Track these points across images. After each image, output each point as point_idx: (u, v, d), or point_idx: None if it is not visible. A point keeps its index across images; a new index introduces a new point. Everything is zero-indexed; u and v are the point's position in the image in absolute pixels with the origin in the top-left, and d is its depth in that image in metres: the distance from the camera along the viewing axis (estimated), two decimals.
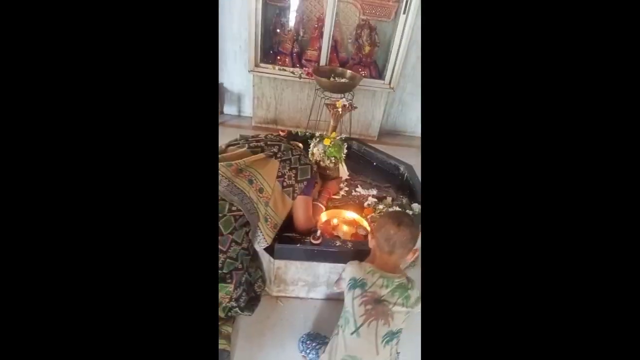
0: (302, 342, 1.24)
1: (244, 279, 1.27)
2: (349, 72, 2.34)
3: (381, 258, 1.11)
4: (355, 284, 1.06)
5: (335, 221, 1.59)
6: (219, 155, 1.35)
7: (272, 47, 2.68)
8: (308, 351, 1.20)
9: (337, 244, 1.35)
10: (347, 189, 1.80)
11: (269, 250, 1.33)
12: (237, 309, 1.27)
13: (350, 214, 1.62)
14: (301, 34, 2.63)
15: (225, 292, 1.21)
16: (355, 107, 1.98)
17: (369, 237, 1.18)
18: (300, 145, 1.65)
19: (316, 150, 1.73)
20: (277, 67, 2.55)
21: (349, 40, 2.72)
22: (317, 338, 1.23)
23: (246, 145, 1.42)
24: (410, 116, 3.06)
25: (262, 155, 1.35)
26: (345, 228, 1.57)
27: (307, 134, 2.05)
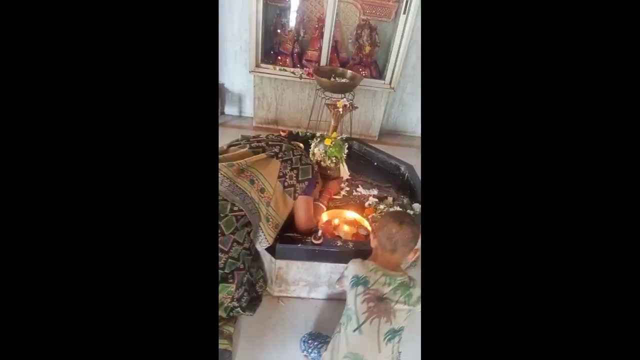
0: (304, 341, 1.24)
1: (245, 279, 1.27)
2: (349, 72, 2.34)
3: (383, 257, 1.12)
4: (358, 281, 1.07)
5: (336, 221, 1.59)
6: (221, 156, 1.36)
7: (272, 48, 2.68)
8: (310, 350, 1.20)
9: (338, 244, 1.35)
10: (348, 189, 1.80)
11: (271, 250, 1.33)
12: (238, 309, 1.27)
13: (351, 214, 1.62)
14: (302, 34, 2.63)
15: (227, 292, 1.21)
16: (356, 107, 1.98)
17: (371, 236, 1.18)
18: (301, 145, 1.65)
19: (317, 151, 1.74)
20: (277, 68, 2.56)
21: (350, 41, 2.73)
22: (319, 337, 1.24)
23: (247, 145, 1.42)
24: (410, 116, 3.06)
25: (263, 155, 1.35)
26: (346, 228, 1.57)
27: (308, 134, 2.05)
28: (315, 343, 1.20)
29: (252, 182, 1.28)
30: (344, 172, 1.86)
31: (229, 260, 1.19)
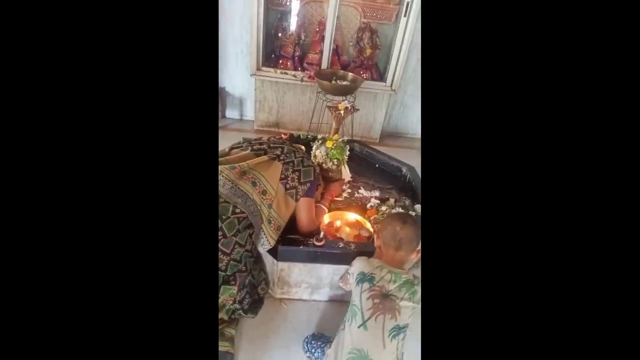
0: (307, 342, 1.24)
1: (247, 281, 1.27)
2: (350, 74, 2.35)
3: (387, 255, 1.14)
4: (364, 278, 1.08)
5: (338, 223, 1.59)
6: (223, 158, 1.36)
7: (273, 51, 2.69)
8: (313, 350, 1.20)
9: (340, 246, 1.35)
10: (349, 190, 1.80)
11: (272, 252, 1.33)
12: (240, 311, 1.27)
13: (353, 216, 1.62)
14: (302, 37, 2.64)
15: (229, 294, 1.21)
16: (357, 109, 1.99)
17: (375, 236, 1.19)
18: (303, 147, 1.65)
19: (318, 153, 1.74)
20: (278, 71, 2.57)
21: (350, 44, 2.74)
22: (322, 338, 1.24)
23: (249, 148, 1.42)
24: (411, 118, 3.06)
25: (265, 157, 1.36)
26: (348, 230, 1.57)
27: (310, 136, 2.06)
28: (319, 343, 1.20)
29: (254, 184, 1.28)
30: (346, 174, 1.86)
31: (231, 262, 1.19)
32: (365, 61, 2.70)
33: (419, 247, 1.15)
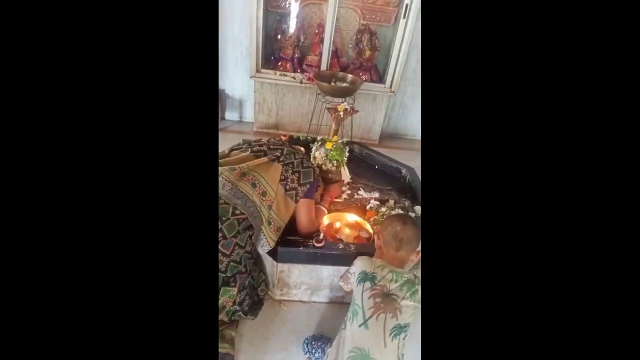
0: (307, 343, 1.24)
1: (247, 282, 1.27)
2: (349, 76, 2.35)
3: (388, 255, 1.14)
4: (366, 277, 1.09)
5: (337, 224, 1.59)
6: (223, 160, 1.37)
7: (273, 53, 2.70)
8: (314, 351, 1.20)
9: (340, 247, 1.35)
10: (349, 192, 1.81)
11: (272, 253, 1.33)
12: (240, 312, 1.27)
13: (353, 217, 1.62)
14: (302, 39, 2.65)
15: (229, 296, 1.21)
16: (357, 111, 1.99)
17: (375, 237, 1.19)
18: (302, 149, 1.66)
19: (318, 154, 1.74)
20: (278, 73, 2.57)
21: (350, 45, 2.74)
22: (322, 338, 1.24)
23: (249, 149, 1.43)
24: (411, 119, 3.07)
25: (265, 159, 1.36)
26: (347, 231, 1.57)
27: (309, 138, 2.06)
28: (319, 343, 1.20)
29: (253, 185, 1.28)
30: (345, 175, 1.86)
31: (231, 263, 1.19)
32: (364, 63, 2.71)
33: (419, 249, 1.15)
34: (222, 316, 1.25)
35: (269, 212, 1.29)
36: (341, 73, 2.41)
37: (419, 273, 1.21)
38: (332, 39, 2.48)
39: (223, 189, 1.22)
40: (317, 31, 2.60)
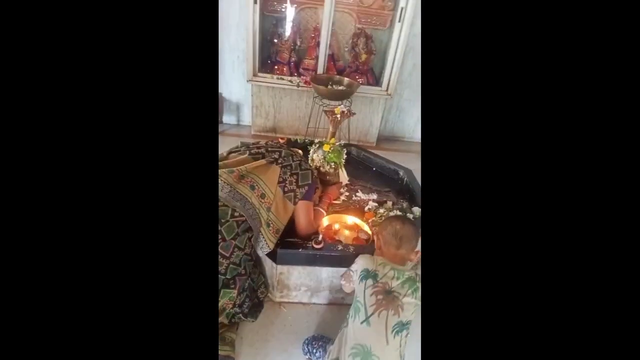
0: (307, 343, 1.24)
1: (247, 284, 1.27)
2: (346, 79, 2.37)
3: (388, 254, 1.15)
4: (368, 275, 1.10)
5: (336, 226, 1.60)
6: (221, 162, 1.37)
7: (270, 57, 2.72)
8: (314, 350, 1.20)
9: (339, 248, 1.36)
10: (347, 194, 1.81)
11: (271, 255, 1.34)
12: (240, 315, 1.27)
13: (351, 219, 1.63)
14: (298, 43, 2.67)
15: (229, 298, 1.21)
16: (354, 113, 2.00)
17: (375, 237, 1.20)
18: (300, 151, 1.67)
19: (316, 156, 1.75)
20: (275, 76, 2.59)
21: (346, 49, 2.76)
22: (323, 338, 1.24)
23: (247, 152, 1.43)
24: (407, 122, 3.09)
25: (263, 161, 1.37)
26: (346, 232, 1.58)
27: (307, 140, 2.07)
28: (320, 343, 1.21)
29: (252, 187, 1.29)
30: (343, 177, 1.87)
31: (231, 265, 1.19)
32: (360, 66, 2.72)
33: (418, 249, 1.16)
34: (222, 318, 1.25)
35: (267, 214, 1.30)
36: (338, 76, 2.43)
37: (419, 272, 1.22)
38: (328, 43, 2.50)
39: (222, 192, 1.23)
40: (313, 35, 2.62)
